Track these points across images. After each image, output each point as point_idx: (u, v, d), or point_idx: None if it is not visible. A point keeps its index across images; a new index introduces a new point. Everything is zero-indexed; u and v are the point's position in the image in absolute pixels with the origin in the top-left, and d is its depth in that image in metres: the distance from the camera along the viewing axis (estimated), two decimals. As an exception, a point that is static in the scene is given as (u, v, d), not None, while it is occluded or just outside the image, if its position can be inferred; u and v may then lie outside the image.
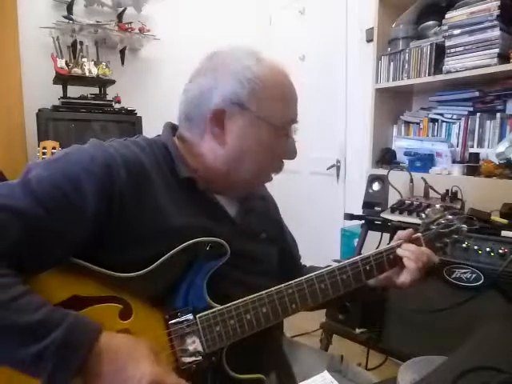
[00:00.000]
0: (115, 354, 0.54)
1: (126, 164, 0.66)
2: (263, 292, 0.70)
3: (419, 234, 0.85)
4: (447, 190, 1.59)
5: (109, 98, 2.51)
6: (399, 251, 0.81)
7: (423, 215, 0.89)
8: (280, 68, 0.76)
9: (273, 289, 0.71)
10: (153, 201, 0.68)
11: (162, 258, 0.65)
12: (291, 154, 0.80)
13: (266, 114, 0.72)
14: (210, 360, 0.67)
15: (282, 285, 0.72)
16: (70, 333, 0.52)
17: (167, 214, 0.68)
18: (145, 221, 0.66)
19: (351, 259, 0.78)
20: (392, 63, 2.08)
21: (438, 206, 0.95)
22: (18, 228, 0.56)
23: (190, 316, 0.66)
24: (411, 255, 0.79)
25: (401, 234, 0.85)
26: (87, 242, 0.63)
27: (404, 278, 0.80)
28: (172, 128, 0.80)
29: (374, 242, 1.62)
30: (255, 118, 0.72)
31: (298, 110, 0.78)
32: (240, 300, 0.68)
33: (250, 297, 0.69)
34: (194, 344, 0.65)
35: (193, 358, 0.65)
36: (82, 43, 2.44)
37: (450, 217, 0.87)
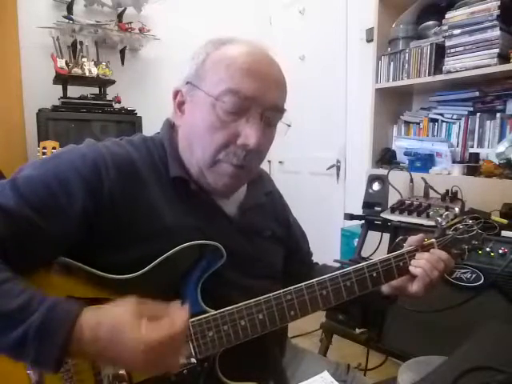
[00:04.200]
0: (100, 330, 0.52)
1: (117, 163, 0.65)
2: (261, 298, 0.67)
3: (433, 241, 0.79)
4: (447, 190, 1.59)
5: (109, 98, 2.52)
6: (414, 262, 0.76)
7: (439, 219, 0.81)
8: (245, 46, 0.69)
9: (271, 294, 0.67)
10: (145, 200, 0.66)
11: (155, 262, 0.64)
12: (245, 138, 0.67)
13: (206, 85, 0.68)
14: (203, 365, 0.65)
15: (281, 290, 0.68)
16: (47, 316, 0.51)
17: (159, 214, 0.67)
18: (136, 221, 0.65)
19: (357, 265, 0.73)
20: (392, 63, 2.08)
21: (456, 209, 0.88)
22: (3, 226, 0.56)
23: None
24: (426, 265, 0.74)
25: (412, 239, 0.79)
26: (76, 242, 0.62)
27: (417, 287, 0.75)
28: (171, 125, 0.77)
29: (374, 242, 1.62)
30: (199, 93, 0.69)
31: (258, 88, 0.67)
32: (235, 305, 0.66)
33: (246, 302, 0.66)
34: (185, 349, 0.63)
35: (184, 363, 0.63)
36: (81, 43, 2.44)
37: (470, 221, 0.81)
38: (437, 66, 1.88)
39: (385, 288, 0.80)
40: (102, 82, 2.47)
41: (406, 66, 2.01)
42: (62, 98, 2.35)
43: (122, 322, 0.52)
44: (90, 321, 0.52)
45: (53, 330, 0.51)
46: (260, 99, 0.67)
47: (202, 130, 0.68)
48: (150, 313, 0.54)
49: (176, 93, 0.73)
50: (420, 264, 0.75)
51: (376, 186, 1.72)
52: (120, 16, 2.67)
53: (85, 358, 0.54)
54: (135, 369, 0.57)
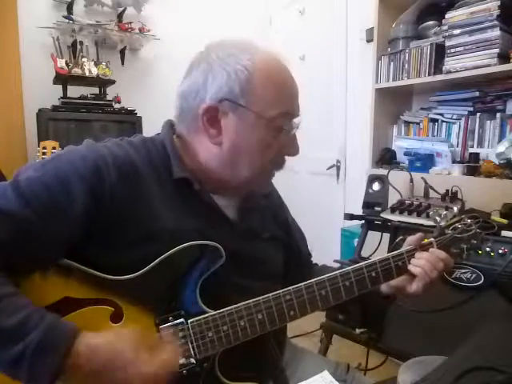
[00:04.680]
0: (95, 355, 0.53)
1: (118, 164, 0.65)
2: (259, 298, 0.67)
3: (432, 240, 0.80)
4: (447, 190, 1.59)
5: (109, 97, 2.51)
6: (413, 261, 0.76)
7: (438, 218, 0.82)
8: (275, 59, 0.72)
9: (270, 295, 0.68)
10: (145, 202, 0.66)
11: (154, 262, 0.64)
12: (292, 149, 0.75)
13: (258, 107, 0.68)
14: (202, 366, 0.65)
15: (280, 291, 0.69)
16: (45, 336, 0.51)
17: (159, 216, 0.67)
18: (137, 222, 0.65)
19: (356, 265, 0.74)
20: (392, 63, 2.08)
21: (455, 209, 0.89)
22: (6, 229, 0.56)
23: (181, 320, 0.65)
24: (426, 265, 0.75)
25: (411, 239, 0.80)
26: (77, 244, 0.62)
27: (417, 286, 0.76)
28: (172, 126, 0.77)
29: (374, 242, 1.62)
30: (248, 114, 0.68)
31: (298, 104, 0.74)
32: (234, 306, 0.66)
33: (245, 302, 0.66)
34: (185, 349, 0.64)
35: (184, 363, 0.63)
36: (81, 43, 2.44)
37: (469, 221, 0.82)
38: (437, 66, 1.88)
39: (384, 288, 0.80)
40: (102, 82, 2.47)
41: (406, 65, 2.01)
42: (62, 98, 2.35)
43: (122, 357, 0.54)
44: (87, 347, 0.53)
45: (50, 350, 0.51)
46: (298, 115, 0.75)
47: (255, 148, 0.71)
48: (146, 344, 0.57)
49: (211, 109, 0.69)
50: (420, 264, 0.76)
51: (376, 186, 1.72)
52: (120, 16, 2.67)
53: (76, 382, 0.54)
54: None
